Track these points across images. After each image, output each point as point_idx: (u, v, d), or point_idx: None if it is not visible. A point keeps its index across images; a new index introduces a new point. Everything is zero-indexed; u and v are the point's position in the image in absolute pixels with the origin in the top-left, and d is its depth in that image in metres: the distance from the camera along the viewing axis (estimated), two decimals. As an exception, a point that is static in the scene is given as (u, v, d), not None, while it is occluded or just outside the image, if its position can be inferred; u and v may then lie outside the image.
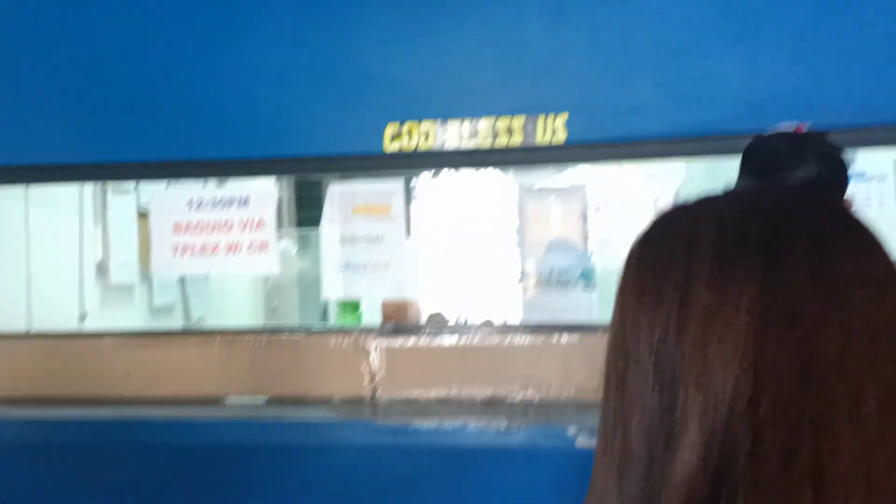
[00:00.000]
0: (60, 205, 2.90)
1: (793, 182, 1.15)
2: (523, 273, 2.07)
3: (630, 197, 1.97)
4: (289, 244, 4.72)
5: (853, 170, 1.51)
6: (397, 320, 2.20)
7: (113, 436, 1.86)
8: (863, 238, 0.49)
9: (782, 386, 0.44)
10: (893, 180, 1.85)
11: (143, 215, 3.42)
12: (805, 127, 1.28)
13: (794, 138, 1.22)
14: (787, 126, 1.30)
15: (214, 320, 4.19)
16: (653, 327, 0.48)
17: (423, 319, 2.30)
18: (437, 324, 2.20)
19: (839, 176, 1.18)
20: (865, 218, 0.51)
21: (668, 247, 0.50)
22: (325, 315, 4.50)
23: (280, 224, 4.69)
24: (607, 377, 0.50)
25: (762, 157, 1.23)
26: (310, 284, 4.76)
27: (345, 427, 1.79)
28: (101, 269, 3.17)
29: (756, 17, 1.80)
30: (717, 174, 2.32)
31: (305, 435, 1.79)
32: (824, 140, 1.23)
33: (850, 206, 1.31)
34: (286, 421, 1.84)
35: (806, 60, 1.78)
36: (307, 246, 4.93)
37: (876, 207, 1.87)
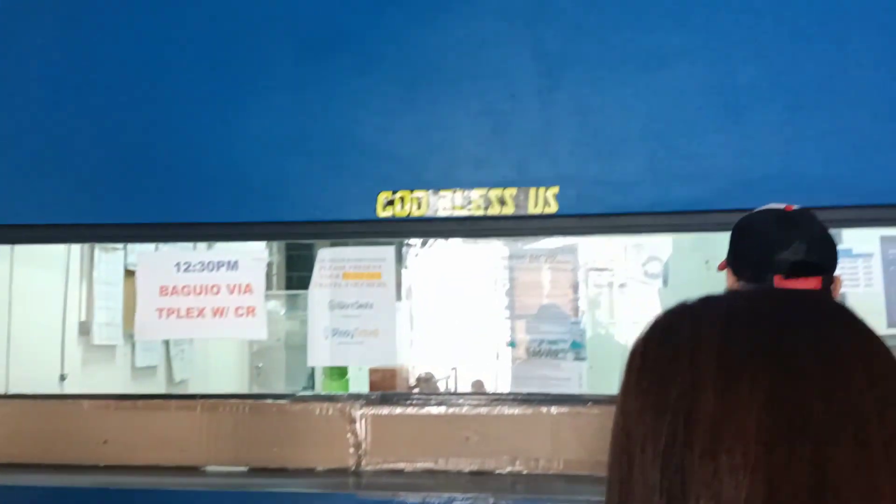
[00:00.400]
0: (46, 263, 2.87)
1: (782, 262, 1.16)
2: (513, 342, 2.05)
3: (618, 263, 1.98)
4: (276, 305, 4.68)
5: (840, 248, 1.53)
6: (385, 388, 2.17)
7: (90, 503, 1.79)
8: (869, 342, 0.49)
9: (796, 497, 0.43)
10: (879, 258, 1.87)
11: (130, 273, 3.40)
12: (794, 207, 1.29)
13: (783, 217, 1.24)
14: (777, 206, 1.32)
15: (198, 382, 4.10)
16: (658, 435, 0.47)
17: (412, 383, 2.27)
18: (426, 389, 2.17)
19: (827, 255, 1.19)
20: (870, 323, 0.51)
21: (671, 351, 0.49)
22: (311, 379, 4.43)
23: (269, 286, 4.66)
24: (609, 482, 0.49)
25: (752, 236, 1.25)
26: (296, 347, 4.70)
27: (328, 500, 1.73)
28: (84, 328, 3.12)
29: (745, 97, 1.85)
30: (706, 246, 2.35)
31: (287, 508, 1.73)
32: (812, 219, 1.25)
33: (840, 285, 1.31)
34: (268, 492, 1.78)
35: (794, 141, 1.83)
36: (295, 307, 4.89)
37: (863, 285, 1.88)
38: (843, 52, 1.84)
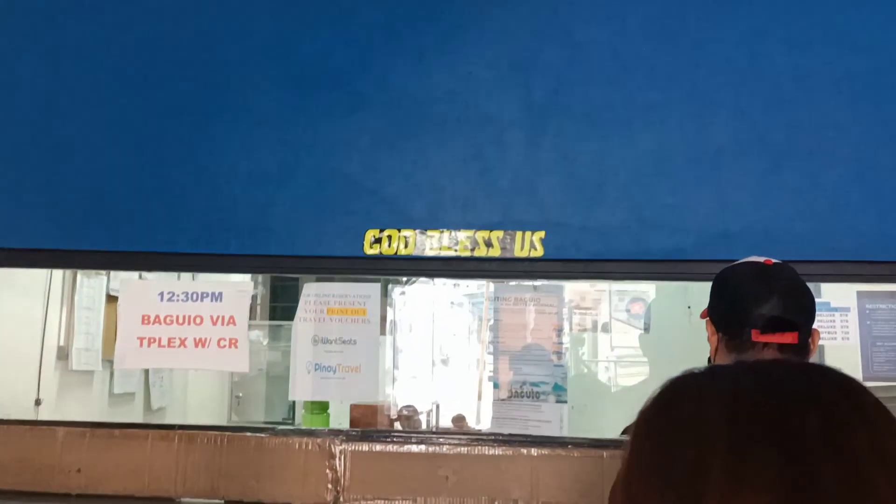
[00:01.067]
0: (26, 286, 2.85)
1: (759, 316, 1.19)
2: (496, 382, 2.06)
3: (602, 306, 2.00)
4: (259, 335, 4.66)
5: (818, 301, 1.57)
6: (365, 424, 2.16)
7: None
8: (876, 415, 0.49)
9: None
10: (856, 312, 1.91)
11: (112, 298, 3.38)
12: (773, 261, 1.32)
13: (761, 272, 1.27)
14: (757, 259, 1.34)
15: (176, 410, 4.06)
16: None
17: (394, 416, 2.26)
18: (407, 426, 2.17)
19: (804, 310, 1.22)
20: (875, 396, 0.51)
21: (677, 426, 0.49)
22: (292, 411, 4.39)
23: (252, 315, 4.63)
24: None
25: (731, 289, 1.27)
26: (278, 378, 4.67)
27: (303, 538, 1.72)
28: (62, 353, 3.09)
29: (725, 153, 1.91)
30: (687, 293, 2.38)
31: (261, 545, 1.71)
32: (790, 274, 1.28)
33: (818, 338, 1.34)
34: (242, 528, 1.76)
35: (771, 196, 1.88)
36: (278, 338, 4.87)
37: (840, 338, 1.92)
38: (820, 112, 1.90)
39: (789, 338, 1.17)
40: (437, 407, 2.21)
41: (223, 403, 4.83)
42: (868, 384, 1.73)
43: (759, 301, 1.19)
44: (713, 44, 1.97)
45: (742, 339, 1.19)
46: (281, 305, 4.77)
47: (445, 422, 2.22)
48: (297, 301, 2.10)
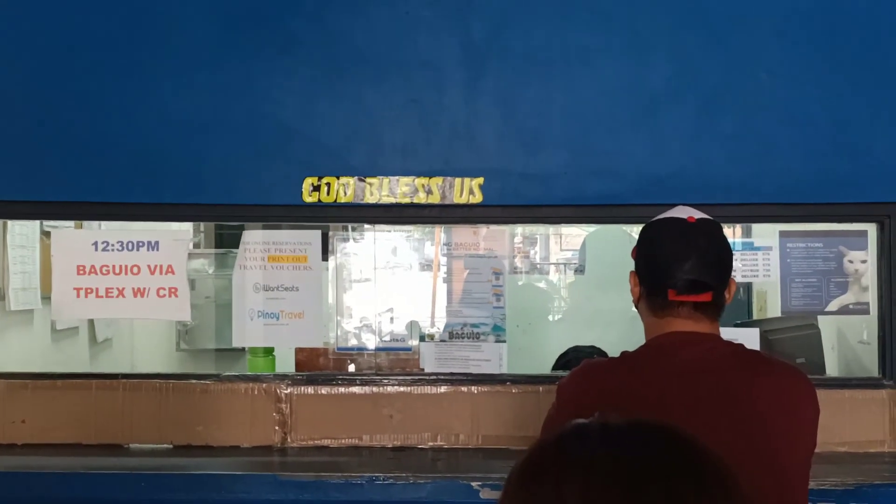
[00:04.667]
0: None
1: (678, 278, 1.24)
2: (436, 324, 2.12)
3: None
4: (205, 264, 4.60)
5: (742, 241, 1.64)
6: (310, 368, 2.21)
7: (4, 487, 1.78)
8: (713, 483, 0.54)
9: None
10: (777, 251, 2.01)
11: (46, 234, 3.28)
12: (696, 217, 1.36)
13: (685, 231, 1.31)
14: (683, 212, 1.38)
15: (122, 343, 4.04)
16: None
17: (334, 361, 2.31)
18: (349, 370, 2.22)
19: (720, 274, 1.28)
20: (717, 461, 0.56)
21: (539, 494, 0.55)
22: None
23: (196, 244, 4.56)
24: None
25: (654, 247, 1.32)
26: (226, 305, 4.65)
27: (251, 481, 1.78)
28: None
29: (660, 99, 1.93)
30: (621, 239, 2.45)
31: (210, 488, 1.77)
32: (711, 234, 1.32)
33: (734, 288, 1.41)
34: (191, 473, 1.81)
35: (702, 141, 1.92)
36: (224, 266, 4.82)
37: (762, 275, 2.02)
38: (753, 58, 1.93)
39: (704, 297, 1.24)
40: (379, 355, 2.25)
41: (171, 332, 4.81)
42: (785, 316, 1.84)
43: (677, 263, 1.24)
44: (651, -16, 1.95)
45: (660, 297, 1.26)
46: (227, 233, 4.70)
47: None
48: (242, 228, 2.09)
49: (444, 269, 2.08)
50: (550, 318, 2.86)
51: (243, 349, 4.49)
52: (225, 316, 4.67)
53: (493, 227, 2.04)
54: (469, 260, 2.06)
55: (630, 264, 1.35)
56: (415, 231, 2.13)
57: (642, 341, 1.31)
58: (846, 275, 1.98)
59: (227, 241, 4.70)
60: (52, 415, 2.01)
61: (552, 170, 1.93)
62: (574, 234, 2.50)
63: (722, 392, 1.19)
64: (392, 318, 2.17)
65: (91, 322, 3.75)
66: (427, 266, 2.11)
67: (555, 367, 2.33)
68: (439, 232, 2.08)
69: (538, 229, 2.46)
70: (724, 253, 1.31)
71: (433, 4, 1.97)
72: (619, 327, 2.55)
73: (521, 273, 2.55)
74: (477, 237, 2.02)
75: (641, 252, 1.36)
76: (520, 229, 2.41)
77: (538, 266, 2.55)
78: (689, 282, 1.24)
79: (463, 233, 2.04)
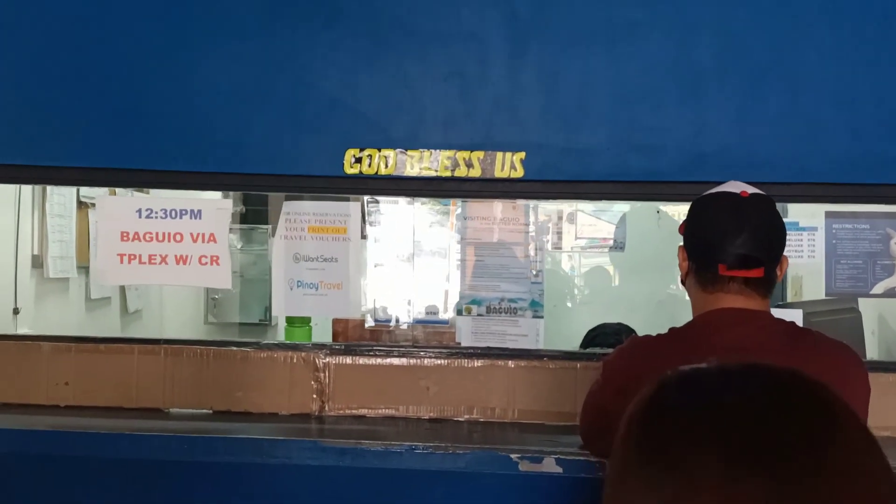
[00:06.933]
0: (-3, 197, 2.79)
1: (729, 253, 1.23)
2: (476, 299, 2.13)
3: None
4: (232, 239, 4.65)
5: (788, 221, 1.62)
6: (347, 339, 2.23)
7: (48, 446, 1.82)
8: (854, 432, 0.53)
9: None
10: (823, 232, 1.99)
11: (82, 204, 3.33)
12: (749, 192, 1.35)
13: (736, 205, 1.30)
14: (735, 187, 1.37)
15: (152, 314, 4.10)
16: None
17: (370, 333, 2.33)
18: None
19: (772, 248, 1.27)
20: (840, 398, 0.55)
21: (668, 442, 0.53)
22: (268, 312, 4.45)
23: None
24: None
25: (705, 221, 1.31)
26: (253, 280, 4.71)
27: (292, 446, 1.80)
28: (37, 262, 3.07)
29: (705, 76, 1.90)
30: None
31: (252, 452, 1.80)
32: (764, 209, 1.31)
33: (786, 265, 1.40)
34: (230, 437, 1.84)
35: (748, 119, 1.89)
36: (251, 242, 4.87)
37: (806, 256, 2.00)
38: (801, 36, 1.89)
39: (755, 273, 1.23)
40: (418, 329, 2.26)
41: (199, 305, 4.88)
42: (830, 298, 1.82)
43: (729, 237, 1.23)
44: (699, -41, 1.91)
45: (710, 272, 1.26)
46: (251, 209, 4.74)
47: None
48: (267, 205, 2.10)
49: (481, 243, 2.09)
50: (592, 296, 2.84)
51: (269, 323, 4.58)
52: (251, 291, 4.75)
53: (534, 203, 2.03)
54: (508, 234, 2.06)
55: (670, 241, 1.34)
56: (453, 205, 2.13)
57: (678, 322, 1.30)
58: (892, 257, 1.96)
59: (250, 217, 4.74)
60: (94, 378, 2.06)
61: (594, 145, 1.92)
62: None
63: None
64: (428, 292, 2.18)
65: (123, 293, 3.82)
66: (465, 241, 2.12)
67: (583, 345, 2.33)
68: (478, 206, 2.08)
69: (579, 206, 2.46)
70: (778, 229, 1.30)
71: (477, -24, 1.95)
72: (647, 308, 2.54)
73: (560, 252, 2.55)
74: (517, 212, 2.02)
75: (691, 226, 1.35)
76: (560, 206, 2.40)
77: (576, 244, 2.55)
78: (740, 256, 1.23)
79: (503, 208, 2.03)
